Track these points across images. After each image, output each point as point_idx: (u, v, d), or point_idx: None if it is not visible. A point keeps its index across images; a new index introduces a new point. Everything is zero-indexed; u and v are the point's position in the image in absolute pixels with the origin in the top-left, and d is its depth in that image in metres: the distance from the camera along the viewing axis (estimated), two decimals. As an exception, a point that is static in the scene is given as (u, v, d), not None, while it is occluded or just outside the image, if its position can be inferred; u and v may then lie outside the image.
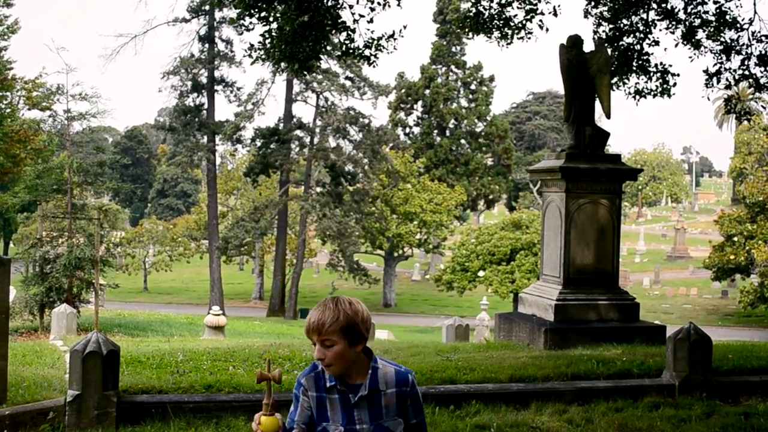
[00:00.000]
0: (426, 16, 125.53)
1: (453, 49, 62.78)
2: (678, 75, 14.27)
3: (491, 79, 63.49)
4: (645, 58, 14.17)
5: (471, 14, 13.78)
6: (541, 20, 13.53)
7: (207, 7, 44.64)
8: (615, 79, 14.08)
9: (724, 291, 50.78)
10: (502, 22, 13.64)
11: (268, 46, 11.77)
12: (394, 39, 12.13)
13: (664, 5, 13.92)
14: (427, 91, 62.10)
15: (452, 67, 62.92)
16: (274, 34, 11.66)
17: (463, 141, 63.21)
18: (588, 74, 11.91)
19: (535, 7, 13.48)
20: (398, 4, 12.05)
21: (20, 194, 36.16)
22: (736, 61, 14.01)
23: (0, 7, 35.48)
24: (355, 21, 11.84)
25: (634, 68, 14.24)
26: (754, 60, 13.81)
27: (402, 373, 3.60)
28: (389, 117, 62.98)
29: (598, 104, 12.04)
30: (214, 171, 48.76)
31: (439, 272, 44.46)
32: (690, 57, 14.09)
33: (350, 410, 3.55)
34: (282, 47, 11.58)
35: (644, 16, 14.05)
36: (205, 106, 46.64)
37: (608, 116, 12.06)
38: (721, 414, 7.92)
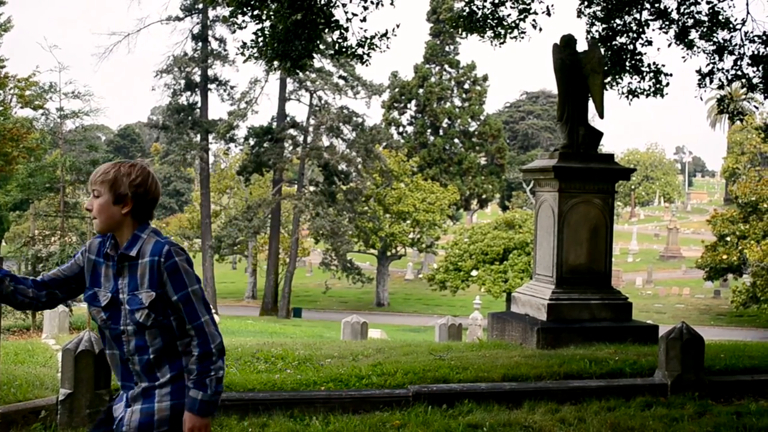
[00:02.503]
0: (419, 16, 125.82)
1: (446, 49, 62.77)
2: (671, 75, 14.30)
3: (485, 78, 63.50)
4: (638, 57, 14.19)
5: (464, 13, 13.79)
6: (534, 20, 13.54)
7: (200, 6, 44.57)
8: (608, 79, 14.10)
9: (716, 291, 50.88)
10: (495, 21, 13.65)
11: (261, 44, 11.75)
12: (387, 38, 12.12)
13: (657, 5, 13.94)
14: (421, 91, 62.07)
15: (446, 66, 62.90)
16: (266, 32, 11.64)
17: (456, 140, 63.21)
18: (581, 74, 11.92)
19: (528, 7, 13.49)
20: (391, 3, 12.04)
21: (12, 192, 36.06)
22: (728, 61, 14.05)
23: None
24: (348, 20, 11.83)
25: (627, 68, 14.26)
26: (746, 60, 13.84)
27: (160, 243, 3.59)
28: (382, 116, 62.93)
29: (591, 104, 12.06)
30: (207, 170, 48.66)
31: (432, 271, 44.48)
32: (683, 57, 14.11)
33: (117, 277, 3.62)
34: (275, 45, 11.56)
35: (637, 16, 14.07)
36: (199, 105, 46.55)
37: (601, 116, 12.08)
38: (713, 413, 7.94)
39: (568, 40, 12.06)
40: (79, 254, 3.78)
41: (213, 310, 3.36)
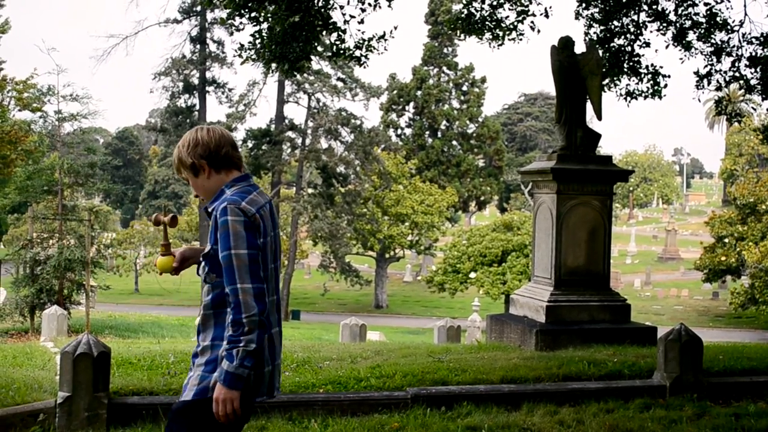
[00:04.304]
0: (417, 18, 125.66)
1: (444, 51, 62.80)
2: (669, 76, 14.30)
3: (483, 80, 63.53)
4: (636, 59, 14.20)
5: (462, 15, 13.79)
6: (532, 21, 13.55)
7: (198, 8, 44.60)
8: (606, 81, 14.10)
9: (715, 292, 50.91)
10: (493, 23, 13.65)
11: (259, 46, 11.75)
12: (385, 40, 12.12)
13: (654, 7, 13.95)
14: (419, 93, 62.10)
15: (444, 68, 62.94)
16: (264, 34, 11.64)
17: (454, 142, 63.23)
18: (579, 76, 11.92)
19: (526, 9, 13.50)
20: (389, 5, 12.03)
21: (11, 195, 36.05)
22: (726, 62, 14.06)
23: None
24: (346, 22, 11.82)
25: (626, 70, 14.26)
26: (744, 62, 13.85)
27: (227, 199, 3.61)
28: (381, 118, 62.95)
29: (589, 105, 12.05)
30: (206, 172, 48.58)
31: (431, 273, 44.50)
32: (681, 59, 14.12)
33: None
34: (272, 48, 11.55)
35: (635, 17, 14.08)
36: (197, 107, 46.57)
37: (599, 118, 12.08)
38: (712, 415, 7.93)
39: (566, 42, 12.05)
40: None
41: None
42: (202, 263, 3.65)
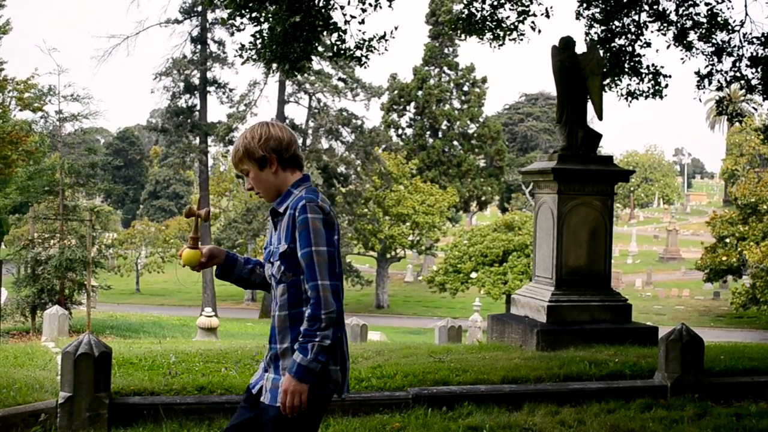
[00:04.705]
0: (418, 18, 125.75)
1: (445, 51, 62.78)
2: (670, 76, 14.30)
3: (484, 80, 63.52)
4: (637, 59, 14.19)
5: (463, 15, 13.79)
6: (533, 22, 13.55)
7: (199, 9, 44.59)
8: (607, 81, 14.10)
9: (716, 292, 50.89)
10: (494, 23, 13.65)
11: (259, 46, 11.75)
12: (386, 40, 12.12)
13: (655, 7, 13.94)
14: (420, 93, 62.08)
15: (445, 68, 62.93)
16: (265, 34, 11.64)
17: (455, 142, 63.21)
18: (580, 76, 11.92)
19: (527, 9, 13.49)
20: (389, 5, 12.03)
21: (12, 196, 36.01)
22: (727, 62, 14.05)
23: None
24: (347, 22, 11.83)
25: (626, 70, 14.26)
26: (745, 62, 13.84)
27: (302, 197, 3.62)
28: (382, 118, 62.95)
29: (590, 106, 12.05)
30: (207, 172, 48.64)
31: (432, 274, 44.47)
32: (682, 59, 14.11)
33: (273, 231, 3.75)
34: (273, 48, 11.56)
35: (636, 17, 14.07)
36: (198, 108, 46.54)
37: (600, 118, 12.07)
38: (713, 415, 7.93)
39: (567, 42, 12.05)
40: None
41: (214, 314, 3.38)
42: (276, 263, 3.64)
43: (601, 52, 13.28)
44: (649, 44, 14.17)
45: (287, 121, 46.64)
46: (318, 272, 3.50)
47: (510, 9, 13.61)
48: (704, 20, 13.67)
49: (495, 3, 13.57)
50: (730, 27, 13.71)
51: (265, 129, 3.71)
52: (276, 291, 3.67)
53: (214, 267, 3.97)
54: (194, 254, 3.81)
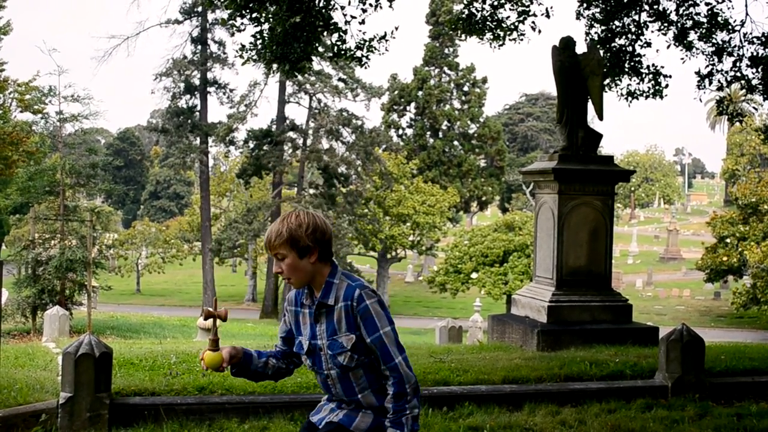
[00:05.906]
0: (418, 18, 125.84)
1: (446, 51, 62.77)
2: (670, 76, 14.30)
3: (484, 80, 63.51)
4: (637, 59, 14.19)
5: (463, 16, 13.79)
6: (533, 22, 13.53)
7: (199, 9, 44.61)
8: (607, 81, 14.10)
9: (716, 292, 50.87)
10: (494, 23, 13.64)
11: (260, 47, 11.74)
12: (386, 40, 12.11)
13: (656, 7, 13.94)
14: (420, 93, 62.07)
15: (445, 68, 62.92)
16: (265, 34, 11.63)
17: (456, 142, 63.20)
18: (580, 76, 11.92)
19: (527, 9, 13.49)
20: (390, 6, 12.02)
21: (12, 196, 36.07)
22: (728, 62, 14.05)
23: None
24: (347, 22, 11.82)
25: (627, 70, 14.26)
26: (745, 62, 13.84)
27: (351, 287, 3.67)
28: (382, 119, 62.93)
29: (590, 106, 12.05)
30: (207, 173, 48.67)
31: (432, 274, 44.47)
32: (682, 58, 14.11)
33: (314, 324, 3.75)
34: (273, 48, 11.55)
35: (636, 17, 14.07)
36: (198, 108, 46.57)
37: (600, 118, 12.08)
38: (714, 415, 7.93)
39: (567, 42, 12.06)
40: (284, 312, 3.93)
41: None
42: (347, 354, 3.69)
43: (601, 52, 13.29)
44: (649, 44, 14.17)
45: (287, 121, 46.62)
46: (392, 352, 3.66)
47: (510, 9, 13.61)
48: (704, 20, 13.67)
49: (495, 3, 13.56)
50: (730, 27, 13.71)
51: (312, 219, 3.70)
52: (344, 379, 3.75)
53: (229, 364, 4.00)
54: (216, 357, 3.79)
